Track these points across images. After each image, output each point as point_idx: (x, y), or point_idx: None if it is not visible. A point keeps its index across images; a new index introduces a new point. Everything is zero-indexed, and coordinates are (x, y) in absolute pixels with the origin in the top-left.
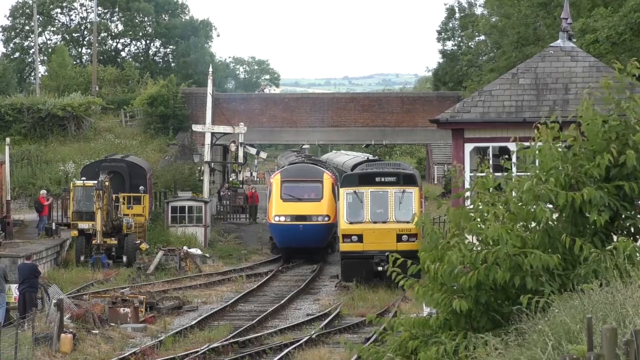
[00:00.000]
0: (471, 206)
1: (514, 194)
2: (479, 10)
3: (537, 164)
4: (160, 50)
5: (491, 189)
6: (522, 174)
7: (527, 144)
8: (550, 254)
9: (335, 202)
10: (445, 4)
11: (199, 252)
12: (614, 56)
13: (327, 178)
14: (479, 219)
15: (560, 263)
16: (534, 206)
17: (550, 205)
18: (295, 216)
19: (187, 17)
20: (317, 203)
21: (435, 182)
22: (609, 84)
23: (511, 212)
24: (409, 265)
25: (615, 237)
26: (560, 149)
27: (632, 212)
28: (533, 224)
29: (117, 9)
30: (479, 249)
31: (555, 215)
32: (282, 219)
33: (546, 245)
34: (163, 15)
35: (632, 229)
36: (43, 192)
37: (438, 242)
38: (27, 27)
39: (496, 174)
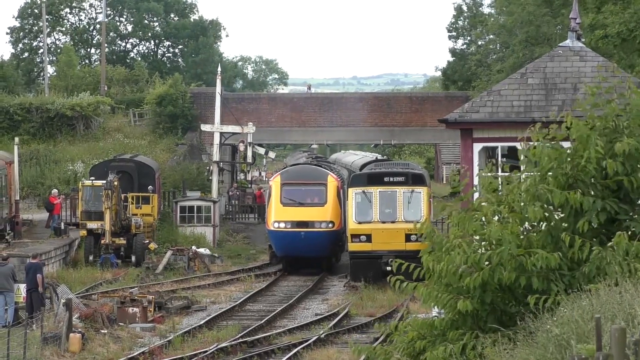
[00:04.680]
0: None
1: (519, 194)
2: (486, 10)
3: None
4: (169, 50)
5: (500, 188)
6: (529, 173)
7: (530, 143)
8: (554, 253)
9: (341, 206)
10: (453, 2)
11: (207, 251)
12: (624, 54)
13: (332, 180)
14: (483, 219)
15: (564, 262)
16: (533, 206)
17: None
18: (296, 222)
19: (196, 17)
20: (320, 208)
21: (444, 182)
22: (592, 89)
23: (515, 211)
24: (411, 270)
25: None
26: (558, 149)
27: (632, 215)
28: (536, 224)
29: (125, 9)
30: (482, 249)
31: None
32: (282, 225)
33: (550, 245)
34: (172, 15)
35: (635, 230)
36: (54, 191)
37: (442, 243)
38: (35, 28)
39: (505, 174)
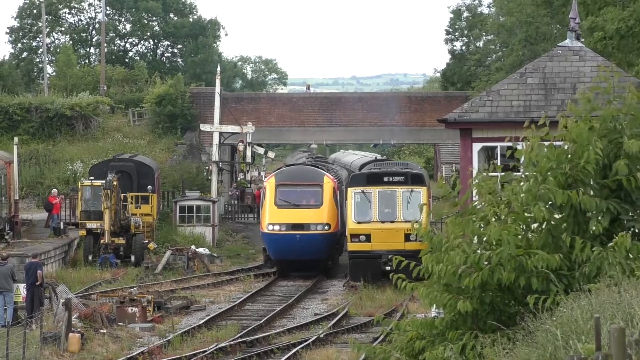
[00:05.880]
0: (477, 206)
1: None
2: (485, 10)
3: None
4: (168, 50)
5: (498, 187)
6: (527, 174)
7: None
8: (554, 254)
9: (337, 208)
10: (449, 6)
11: (207, 251)
12: (622, 54)
13: (328, 181)
14: (480, 222)
15: (564, 263)
16: (537, 206)
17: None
18: (291, 225)
19: (195, 17)
20: (316, 210)
21: (443, 182)
22: (587, 96)
23: (514, 211)
24: (411, 268)
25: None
26: (558, 149)
27: (633, 214)
28: (536, 224)
29: (124, 9)
30: (481, 250)
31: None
32: (277, 227)
33: (550, 245)
34: (171, 15)
35: (637, 230)
36: (54, 191)
37: (441, 243)
38: (35, 28)
39: (502, 174)
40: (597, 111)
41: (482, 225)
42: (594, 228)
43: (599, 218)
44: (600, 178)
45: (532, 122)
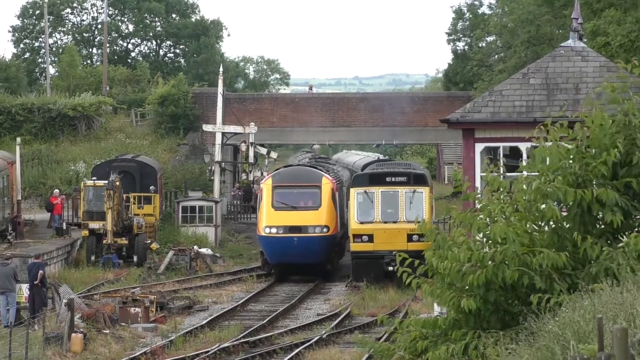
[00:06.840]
0: (479, 205)
1: (524, 194)
2: (486, 10)
3: (546, 162)
4: (171, 50)
5: (501, 188)
6: (533, 174)
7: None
8: (560, 253)
9: (336, 210)
10: (451, 6)
11: (209, 251)
12: (626, 58)
13: (326, 183)
14: (487, 218)
15: (569, 262)
16: (543, 205)
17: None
18: (288, 227)
19: (198, 17)
20: (314, 212)
21: (446, 182)
22: (612, 85)
23: (520, 211)
24: (416, 265)
25: (625, 237)
26: (567, 148)
27: None
28: (542, 223)
29: (127, 9)
30: (486, 247)
31: (564, 215)
32: (274, 230)
33: (555, 244)
34: (173, 15)
35: None
36: (56, 191)
37: (445, 242)
38: (37, 28)
39: (507, 174)
40: (616, 106)
41: (487, 220)
42: (609, 220)
43: (614, 210)
44: (610, 178)
45: (547, 121)
